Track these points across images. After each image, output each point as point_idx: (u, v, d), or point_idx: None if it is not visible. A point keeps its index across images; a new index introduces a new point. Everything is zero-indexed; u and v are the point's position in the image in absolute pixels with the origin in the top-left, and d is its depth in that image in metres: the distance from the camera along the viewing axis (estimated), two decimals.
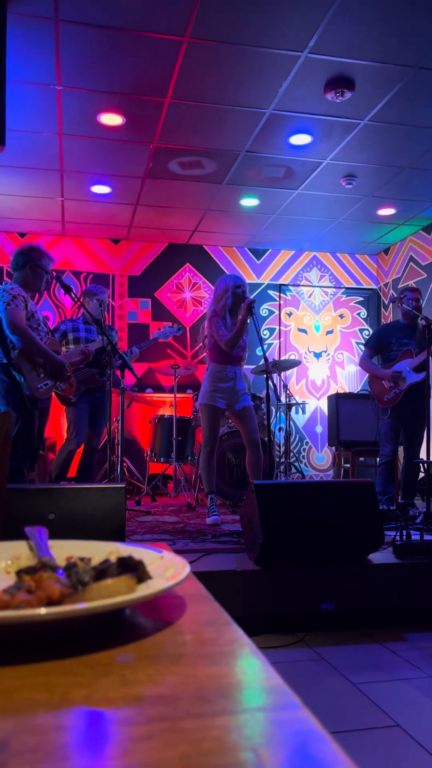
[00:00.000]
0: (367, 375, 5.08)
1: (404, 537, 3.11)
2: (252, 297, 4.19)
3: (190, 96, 4.34)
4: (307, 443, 7.60)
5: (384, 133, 4.86)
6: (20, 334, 3.62)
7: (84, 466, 4.91)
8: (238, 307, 4.24)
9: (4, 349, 3.65)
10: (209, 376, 4.22)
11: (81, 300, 4.39)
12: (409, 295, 4.89)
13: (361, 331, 7.90)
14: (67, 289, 4.09)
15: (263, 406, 5.65)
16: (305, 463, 7.54)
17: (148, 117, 4.60)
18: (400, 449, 5.00)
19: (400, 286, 7.35)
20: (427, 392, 4.61)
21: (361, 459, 6.48)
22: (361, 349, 7.25)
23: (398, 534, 3.17)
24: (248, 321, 4.13)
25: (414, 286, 5.86)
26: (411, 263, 7.21)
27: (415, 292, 4.92)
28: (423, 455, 4.98)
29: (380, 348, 5.00)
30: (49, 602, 0.51)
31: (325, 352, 7.78)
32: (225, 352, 4.19)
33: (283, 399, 6.59)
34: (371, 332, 6.86)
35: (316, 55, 3.89)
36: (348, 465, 6.24)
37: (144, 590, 0.53)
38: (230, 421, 5.42)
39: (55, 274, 4.21)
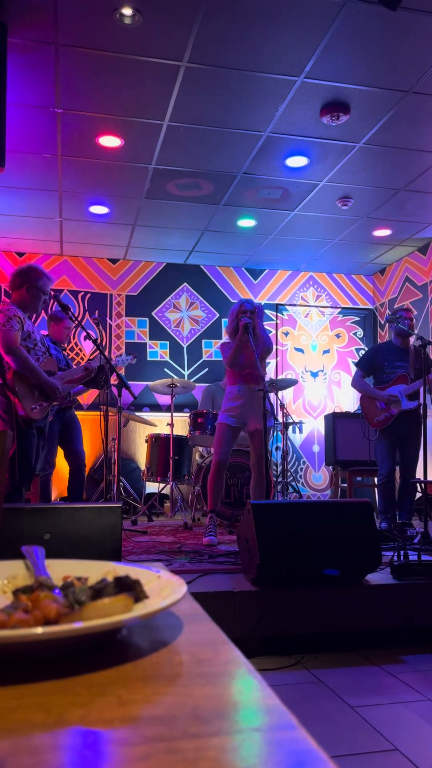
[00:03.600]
0: (360, 395, 5.09)
1: (402, 557, 3.10)
2: (247, 319, 4.20)
3: (188, 119, 4.40)
4: (304, 463, 7.58)
5: (379, 156, 4.92)
6: (14, 355, 3.59)
7: (74, 484, 4.92)
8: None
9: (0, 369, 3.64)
10: (224, 396, 4.40)
11: (78, 320, 4.41)
12: (403, 315, 4.92)
13: (358, 350, 7.93)
14: (65, 309, 4.11)
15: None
16: (302, 482, 7.52)
17: (146, 139, 4.66)
18: (397, 469, 5.00)
19: (395, 306, 7.40)
20: (424, 413, 4.62)
21: (359, 479, 6.46)
22: None
23: (396, 554, 3.15)
24: (249, 341, 4.16)
25: (408, 306, 5.90)
26: (407, 283, 7.26)
27: (408, 312, 4.96)
28: (419, 475, 4.97)
29: (372, 369, 5.02)
30: (46, 622, 0.51)
31: (322, 371, 7.80)
32: (235, 373, 4.33)
33: (280, 418, 6.59)
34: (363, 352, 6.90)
35: (312, 80, 3.95)
36: (345, 485, 6.22)
37: (141, 610, 0.53)
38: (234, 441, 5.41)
39: (53, 293, 4.23)
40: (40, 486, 4.82)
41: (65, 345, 5.16)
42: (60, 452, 5.03)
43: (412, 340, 4.97)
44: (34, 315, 4.08)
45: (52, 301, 4.12)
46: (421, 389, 4.74)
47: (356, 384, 5.06)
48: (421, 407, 4.74)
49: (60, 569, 0.71)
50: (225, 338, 4.49)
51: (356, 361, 5.20)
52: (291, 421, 6.67)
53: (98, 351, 4.25)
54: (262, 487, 4.20)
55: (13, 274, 3.90)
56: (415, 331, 4.88)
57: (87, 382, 4.68)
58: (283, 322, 7.78)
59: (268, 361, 7.60)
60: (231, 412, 4.25)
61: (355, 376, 5.10)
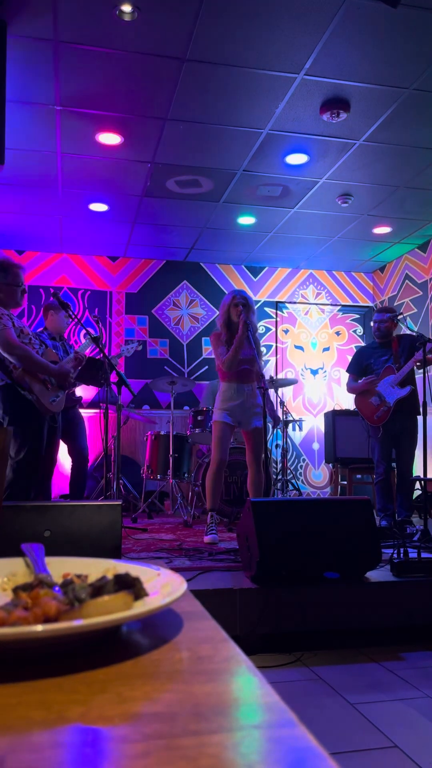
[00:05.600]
0: (355, 396, 5.10)
1: (402, 555, 3.10)
2: (247, 320, 4.18)
3: (187, 116, 4.40)
4: (304, 460, 7.59)
5: (379, 153, 4.91)
6: (18, 353, 3.54)
7: (75, 483, 4.93)
8: (233, 323, 4.28)
9: (4, 370, 3.60)
10: (218, 394, 4.30)
11: (77, 317, 4.40)
12: (377, 317, 4.98)
13: (358, 348, 7.93)
14: (65, 306, 4.10)
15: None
16: (302, 480, 7.52)
17: (146, 136, 4.65)
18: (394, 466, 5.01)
19: (396, 304, 7.40)
20: (424, 410, 4.62)
21: (358, 476, 6.47)
22: None
23: (396, 552, 3.15)
24: (250, 338, 4.14)
25: (387, 306, 5.94)
26: (407, 281, 7.26)
27: (382, 313, 4.98)
28: (418, 473, 4.97)
29: (361, 371, 5.05)
30: (46, 619, 0.51)
31: (322, 369, 7.80)
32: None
33: (280, 416, 6.59)
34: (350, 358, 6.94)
35: (312, 77, 3.95)
36: (345, 482, 6.22)
37: (141, 607, 0.53)
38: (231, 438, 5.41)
39: (52, 290, 4.23)
40: (72, 483, 4.84)
41: (64, 335, 5.12)
42: (62, 449, 5.04)
43: (403, 329, 5.02)
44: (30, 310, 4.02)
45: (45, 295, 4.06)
46: (421, 386, 4.74)
47: (350, 389, 5.10)
48: (420, 403, 4.74)
49: (60, 567, 0.71)
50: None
51: (347, 368, 5.25)
52: (291, 418, 6.67)
53: (98, 349, 4.24)
54: (260, 485, 4.20)
55: None
56: (398, 324, 4.91)
57: (87, 379, 4.68)
58: (283, 319, 7.78)
59: (267, 359, 7.60)
60: (228, 411, 4.19)
61: (347, 382, 5.14)
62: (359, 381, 4.96)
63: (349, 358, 7.85)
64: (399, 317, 4.91)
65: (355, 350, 7.88)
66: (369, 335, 7.98)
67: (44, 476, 3.88)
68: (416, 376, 4.89)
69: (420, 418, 4.67)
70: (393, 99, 4.17)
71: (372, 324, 5.01)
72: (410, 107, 4.27)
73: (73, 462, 4.99)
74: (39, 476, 3.78)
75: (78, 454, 4.97)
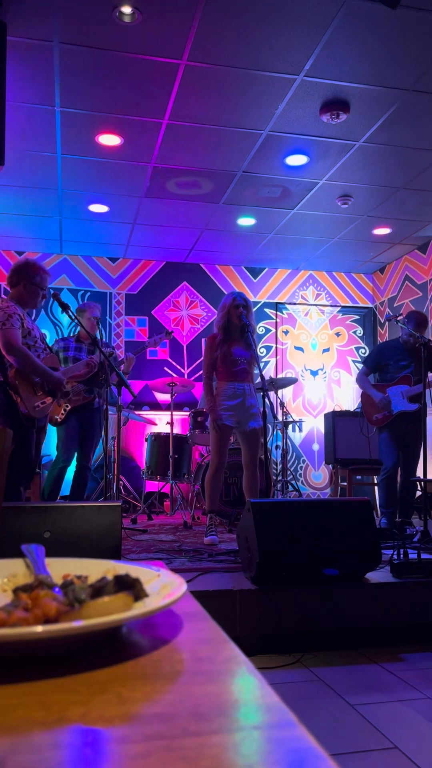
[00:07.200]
0: (361, 391, 5.09)
1: (401, 556, 3.10)
2: (245, 319, 4.19)
3: (187, 117, 4.40)
4: (303, 461, 7.58)
5: (379, 154, 4.92)
6: (17, 355, 3.57)
7: (76, 485, 4.91)
8: (231, 325, 4.27)
9: (0, 368, 3.62)
10: (217, 394, 4.23)
11: (77, 318, 4.40)
12: (414, 317, 4.83)
13: (358, 349, 7.93)
14: (65, 307, 4.10)
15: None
16: (302, 481, 7.52)
17: (146, 137, 4.66)
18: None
19: (396, 305, 7.40)
20: (423, 412, 4.62)
21: (358, 477, 6.46)
22: (358, 367, 7.28)
23: (395, 553, 3.15)
24: (249, 339, 4.16)
25: (414, 311, 5.85)
26: (407, 282, 7.26)
27: (419, 315, 4.87)
28: (418, 473, 4.97)
29: (377, 367, 5.01)
30: (46, 620, 0.51)
31: (322, 370, 7.80)
32: (227, 369, 4.22)
33: (279, 417, 6.59)
34: (369, 350, 6.90)
35: (311, 78, 3.95)
36: (345, 483, 6.22)
37: (141, 608, 0.53)
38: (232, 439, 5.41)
39: (52, 291, 4.24)
40: (54, 479, 4.79)
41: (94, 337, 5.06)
42: None
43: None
44: (34, 311, 4.06)
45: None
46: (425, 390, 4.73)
47: (358, 380, 5.09)
48: (421, 408, 4.73)
49: (60, 568, 0.71)
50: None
51: (357, 359, 5.20)
52: (291, 419, 6.66)
53: (98, 349, 4.24)
54: (255, 487, 4.19)
55: (11, 269, 3.85)
56: (429, 330, 4.80)
57: (87, 380, 4.68)
58: (283, 320, 7.78)
59: (267, 360, 7.60)
60: (229, 412, 4.17)
61: (360, 372, 5.12)
62: (373, 391, 4.87)
63: (349, 359, 7.88)
64: (396, 318, 4.84)
65: (355, 351, 7.91)
66: (369, 336, 7.99)
67: (30, 478, 3.88)
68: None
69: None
70: (393, 100, 4.18)
71: (410, 324, 4.85)
72: (410, 108, 4.27)
73: (76, 463, 4.97)
74: (26, 478, 3.77)
75: (83, 456, 4.93)
